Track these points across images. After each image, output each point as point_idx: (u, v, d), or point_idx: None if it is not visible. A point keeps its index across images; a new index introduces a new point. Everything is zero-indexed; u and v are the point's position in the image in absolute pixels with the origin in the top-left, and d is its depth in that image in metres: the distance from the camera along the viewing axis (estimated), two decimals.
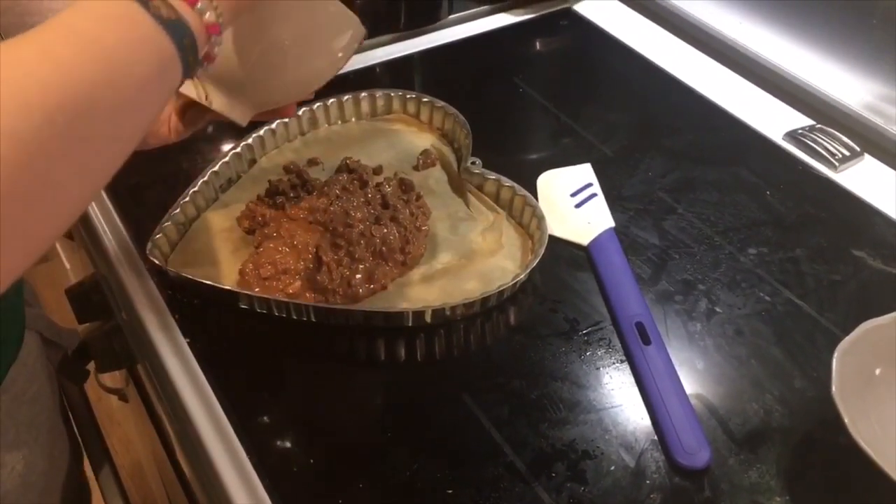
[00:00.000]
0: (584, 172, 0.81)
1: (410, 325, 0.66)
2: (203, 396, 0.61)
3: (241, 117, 0.59)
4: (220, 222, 0.74)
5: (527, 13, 1.10)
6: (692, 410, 0.60)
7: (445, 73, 1.02)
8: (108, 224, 0.75)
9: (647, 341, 0.64)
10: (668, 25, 1.06)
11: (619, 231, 0.75)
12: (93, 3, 0.35)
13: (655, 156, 0.85)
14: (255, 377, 0.64)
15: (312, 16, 0.56)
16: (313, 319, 0.66)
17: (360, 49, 1.04)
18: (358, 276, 0.67)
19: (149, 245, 0.68)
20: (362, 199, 0.73)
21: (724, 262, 0.73)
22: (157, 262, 0.68)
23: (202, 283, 0.67)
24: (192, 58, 0.39)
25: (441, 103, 0.85)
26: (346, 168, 0.79)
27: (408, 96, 0.87)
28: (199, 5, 0.39)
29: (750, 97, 0.94)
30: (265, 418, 0.61)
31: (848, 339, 0.57)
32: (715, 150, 0.86)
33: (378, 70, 1.01)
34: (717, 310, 0.69)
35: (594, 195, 0.78)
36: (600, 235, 0.74)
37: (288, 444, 0.60)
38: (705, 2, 1.02)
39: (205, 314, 0.68)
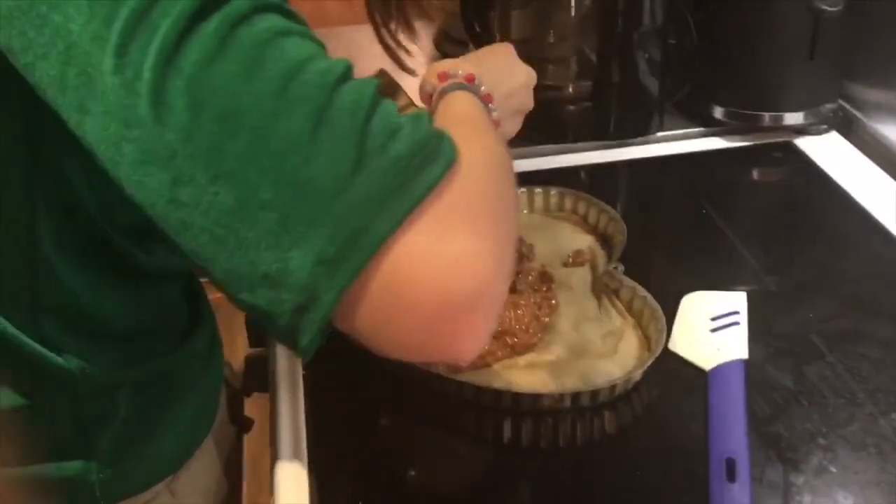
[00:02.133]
0: (735, 300, 0.78)
1: (496, 405, 0.67)
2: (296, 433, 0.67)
3: None
4: None
5: (742, 140, 1.07)
6: None
7: (639, 185, 1.03)
8: None
9: (732, 479, 0.60)
10: (888, 166, 0.98)
11: (752, 365, 0.70)
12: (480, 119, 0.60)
13: (825, 300, 0.79)
14: (346, 420, 0.69)
15: None
16: (414, 379, 0.70)
17: (568, 150, 1.08)
18: None
19: None
20: None
21: (859, 421, 0.65)
22: None
23: None
24: None
25: (605, 206, 0.86)
26: None
27: (578, 196, 0.89)
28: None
29: None
30: (343, 463, 0.66)
31: None
32: None
33: (582, 173, 1.05)
34: (831, 469, 0.62)
35: (736, 324, 0.75)
36: (726, 364, 0.70)
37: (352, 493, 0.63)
38: None
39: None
